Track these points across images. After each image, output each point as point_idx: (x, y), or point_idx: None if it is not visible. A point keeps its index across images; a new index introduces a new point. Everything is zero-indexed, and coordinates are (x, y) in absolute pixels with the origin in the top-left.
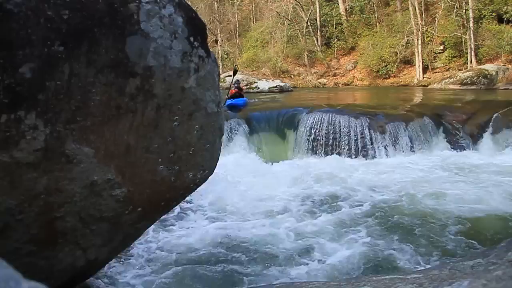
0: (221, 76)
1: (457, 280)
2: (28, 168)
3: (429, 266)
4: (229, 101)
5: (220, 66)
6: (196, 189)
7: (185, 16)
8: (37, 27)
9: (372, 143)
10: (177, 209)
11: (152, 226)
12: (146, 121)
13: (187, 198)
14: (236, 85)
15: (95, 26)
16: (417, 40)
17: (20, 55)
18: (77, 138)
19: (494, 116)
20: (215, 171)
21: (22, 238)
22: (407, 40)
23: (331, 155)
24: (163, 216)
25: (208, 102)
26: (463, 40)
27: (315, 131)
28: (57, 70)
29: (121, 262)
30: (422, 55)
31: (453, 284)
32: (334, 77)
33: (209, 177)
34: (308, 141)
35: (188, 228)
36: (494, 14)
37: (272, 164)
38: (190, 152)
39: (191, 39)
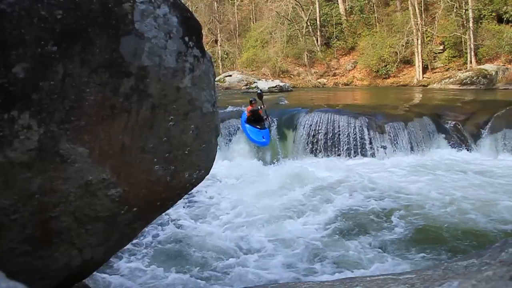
0: (221, 76)
1: (448, 280)
2: (22, 168)
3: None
4: (246, 126)
5: (220, 66)
6: (192, 189)
7: (180, 16)
8: (30, 27)
9: (371, 143)
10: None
11: None
12: (141, 121)
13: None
14: (252, 100)
15: (89, 26)
16: (417, 40)
17: (13, 55)
18: (71, 138)
19: (494, 116)
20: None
21: (17, 238)
22: (407, 40)
23: (330, 155)
24: None
25: (204, 102)
26: (462, 40)
27: (314, 131)
28: (51, 70)
29: None
30: (421, 55)
31: (444, 285)
32: (334, 77)
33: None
34: (307, 142)
35: None
36: (493, 14)
37: (271, 165)
38: (186, 152)
39: (186, 39)
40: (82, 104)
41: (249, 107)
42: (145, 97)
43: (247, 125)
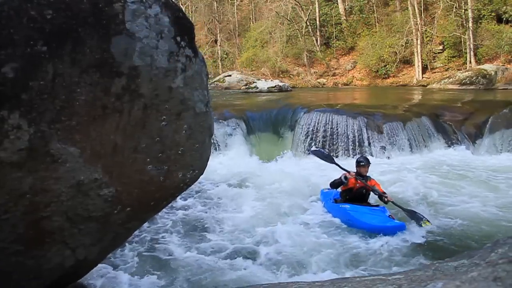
0: (220, 76)
1: (434, 281)
2: (12, 168)
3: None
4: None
5: (220, 66)
6: (186, 189)
7: (171, 16)
8: (19, 27)
9: (369, 144)
10: None
11: None
12: (133, 120)
13: None
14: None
15: (79, 26)
16: (416, 40)
17: (2, 54)
18: (62, 138)
19: (493, 116)
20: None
21: (8, 238)
22: (406, 40)
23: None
24: None
25: (197, 102)
26: (462, 40)
27: (312, 131)
28: (41, 70)
29: None
30: (421, 55)
31: (428, 286)
32: (334, 77)
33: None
34: (306, 142)
35: None
36: (493, 14)
37: (268, 163)
38: (179, 152)
39: (178, 39)
40: (73, 104)
41: (352, 180)
42: (137, 97)
43: (346, 205)
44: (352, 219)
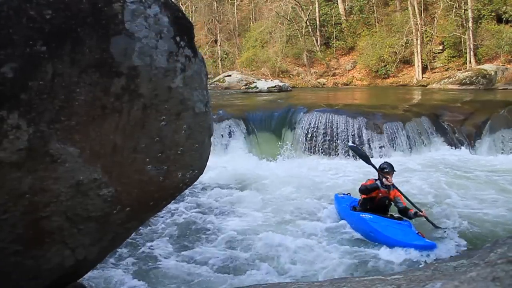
0: (220, 76)
1: (433, 281)
2: (11, 168)
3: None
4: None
5: (220, 66)
6: (186, 189)
7: (171, 16)
8: (19, 27)
9: (369, 144)
10: None
11: None
12: (132, 120)
13: None
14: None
15: (79, 26)
16: (416, 40)
17: (2, 54)
18: (61, 138)
19: (492, 116)
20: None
21: (7, 238)
22: (406, 40)
23: (328, 155)
24: None
25: (196, 102)
26: (462, 40)
27: (312, 132)
28: (40, 70)
29: None
30: (421, 55)
31: (427, 286)
32: (334, 77)
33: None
34: (305, 142)
35: None
36: (493, 14)
37: (268, 163)
38: (179, 151)
39: (177, 38)
40: (72, 104)
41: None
42: (136, 97)
43: (368, 215)
44: (375, 232)
